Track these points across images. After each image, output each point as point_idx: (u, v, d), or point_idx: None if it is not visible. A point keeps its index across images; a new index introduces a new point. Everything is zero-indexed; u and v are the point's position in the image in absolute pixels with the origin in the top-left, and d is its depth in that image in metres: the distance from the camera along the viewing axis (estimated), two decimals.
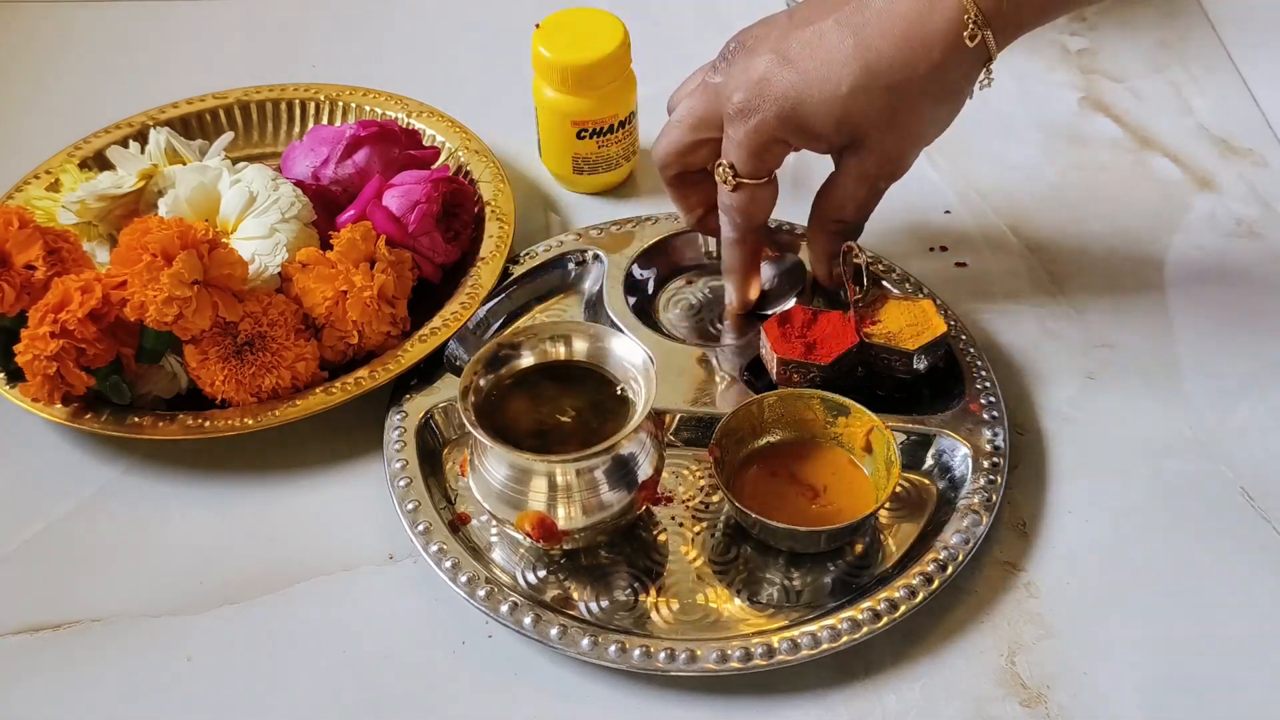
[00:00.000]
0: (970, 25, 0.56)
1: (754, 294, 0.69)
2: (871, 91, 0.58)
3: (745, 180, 0.62)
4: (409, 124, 0.82)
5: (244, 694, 0.57)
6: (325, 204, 0.74)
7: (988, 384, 0.67)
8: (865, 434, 0.62)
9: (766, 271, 0.72)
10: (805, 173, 0.79)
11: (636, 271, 0.74)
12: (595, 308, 0.73)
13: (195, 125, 0.84)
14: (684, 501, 0.64)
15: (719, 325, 0.73)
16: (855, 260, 0.69)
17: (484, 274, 0.73)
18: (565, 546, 0.60)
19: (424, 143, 0.80)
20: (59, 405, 0.65)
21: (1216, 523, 0.63)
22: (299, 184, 0.73)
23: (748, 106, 0.59)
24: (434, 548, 0.61)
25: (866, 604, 0.58)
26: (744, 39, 0.62)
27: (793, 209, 0.79)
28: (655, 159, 0.67)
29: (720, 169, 0.62)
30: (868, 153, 0.61)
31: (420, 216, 0.71)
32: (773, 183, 0.63)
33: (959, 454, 0.64)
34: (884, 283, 0.72)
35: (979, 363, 0.68)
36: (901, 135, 0.61)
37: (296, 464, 0.67)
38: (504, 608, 0.58)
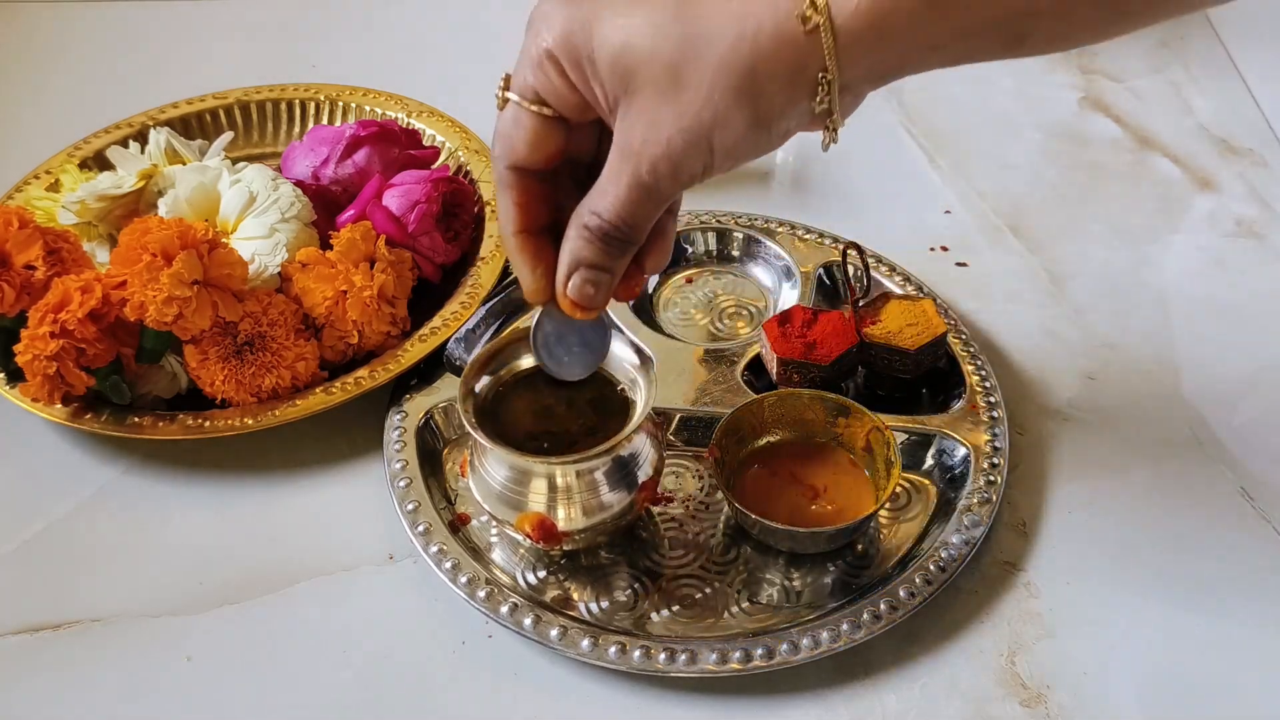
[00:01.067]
0: (820, 91, 0.46)
1: (538, 285, 0.53)
2: (664, 34, 0.47)
3: (512, 95, 0.50)
4: (409, 124, 0.83)
5: (244, 694, 0.57)
6: (325, 204, 0.74)
7: (988, 384, 0.67)
8: (865, 434, 0.62)
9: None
10: (805, 174, 0.79)
11: None
12: None
13: (195, 125, 0.84)
14: (684, 502, 0.64)
15: (719, 325, 0.73)
16: (855, 260, 0.69)
17: (484, 274, 0.73)
18: (565, 547, 0.60)
19: (424, 143, 0.80)
20: (59, 405, 0.65)
21: (1216, 523, 0.63)
22: (299, 184, 0.73)
23: (537, 16, 0.49)
24: (434, 548, 0.61)
25: (867, 604, 0.58)
26: None
27: (793, 208, 0.79)
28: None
29: (498, 85, 0.51)
30: (636, 116, 0.47)
31: (420, 216, 0.71)
32: (544, 119, 0.50)
33: (959, 454, 0.64)
34: (884, 283, 0.72)
35: (979, 363, 0.68)
36: (680, 113, 0.47)
37: (296, 464, 0.67)
38: (504, 608, 0.58)
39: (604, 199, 0.49)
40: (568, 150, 0.51)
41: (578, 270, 0.51)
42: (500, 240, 0.74)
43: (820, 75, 0.45)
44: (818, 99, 0.46)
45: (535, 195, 0.52)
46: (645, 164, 0.48)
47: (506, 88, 0.50)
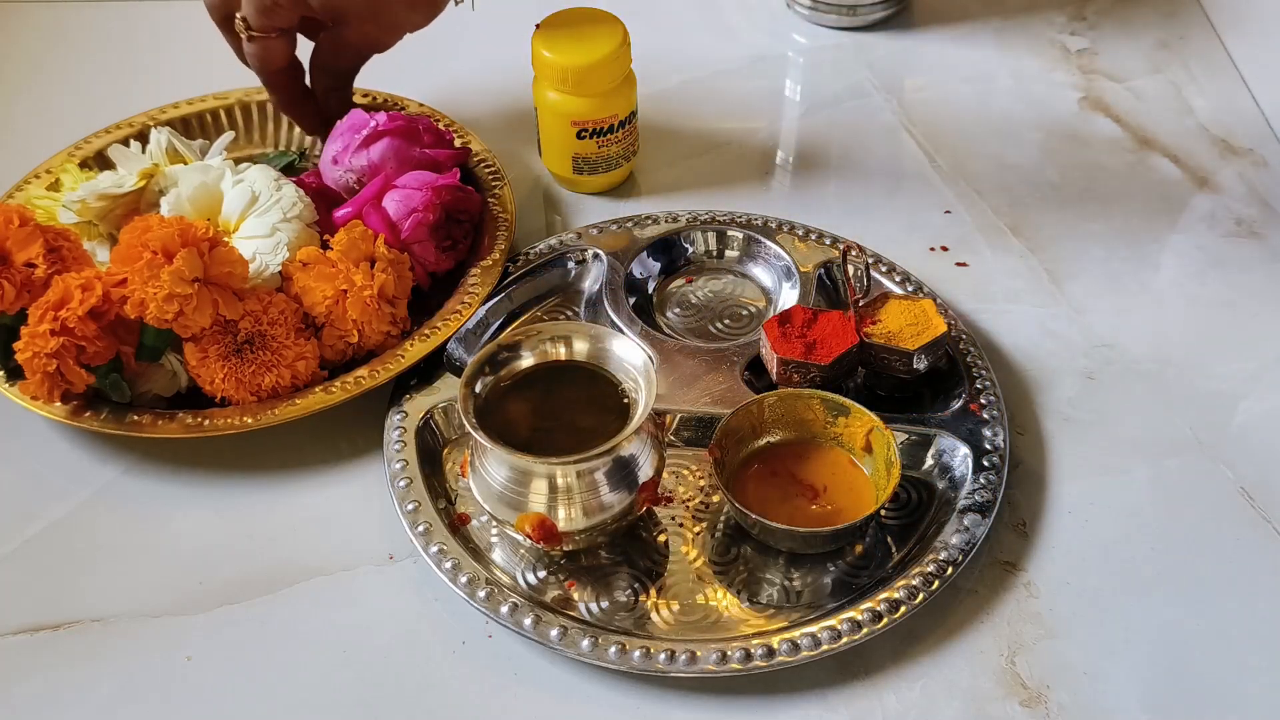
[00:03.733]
0: None
1: (310, 118, 0.79)
2: None
3: (256, 33, 0.71)
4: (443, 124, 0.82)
5: (244, 694, 0.57)
6: (328, 204, 0.74)
7: (988, 384, 0.67)
8: (865, 434, 0.62)
9: None
10: (805, 174, 0.79)
11: (636, 271, 0.74)
12: (595, 307, 0.73)
13: (196, 125, 0.83)
14: (684, 502, 0.64)
15: (719, 325, 0.73)
16: (855, 260, 0.69)
17: (484, 274, 0.73)
18: (565, 548, 0.60)
19: (454, 143, 0.79)
20: (58, 403, 0.65)
21: (1216, 523, 0.63)
22: (299, 183, 0.73)
23: None
24: (434, 548, 0.61)
25: (866, 604, 0.58)
26: None
27: (793, 208, 0.79)
28: (211, 13, 0.74)
29: (237, 22, 0.71)
30: (351, 31, 0.73)
31: (415, 225, 0.70)
32: (284, 37, 0.72)
33: (959, 454, 0.64)
34: (884, 283, 0.72)
35: (979, 363, 0.68)
36: (380, 26, 0.73)
37: (296, 464, 0.67)
38: (504, 608, 0.58)
39: (338, 62, 0.77)
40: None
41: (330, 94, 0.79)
42: (500, 240, 0.74)
43: None
44: None
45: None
46: (365, 54, 0.76)
47: (247, 27, 0.71)
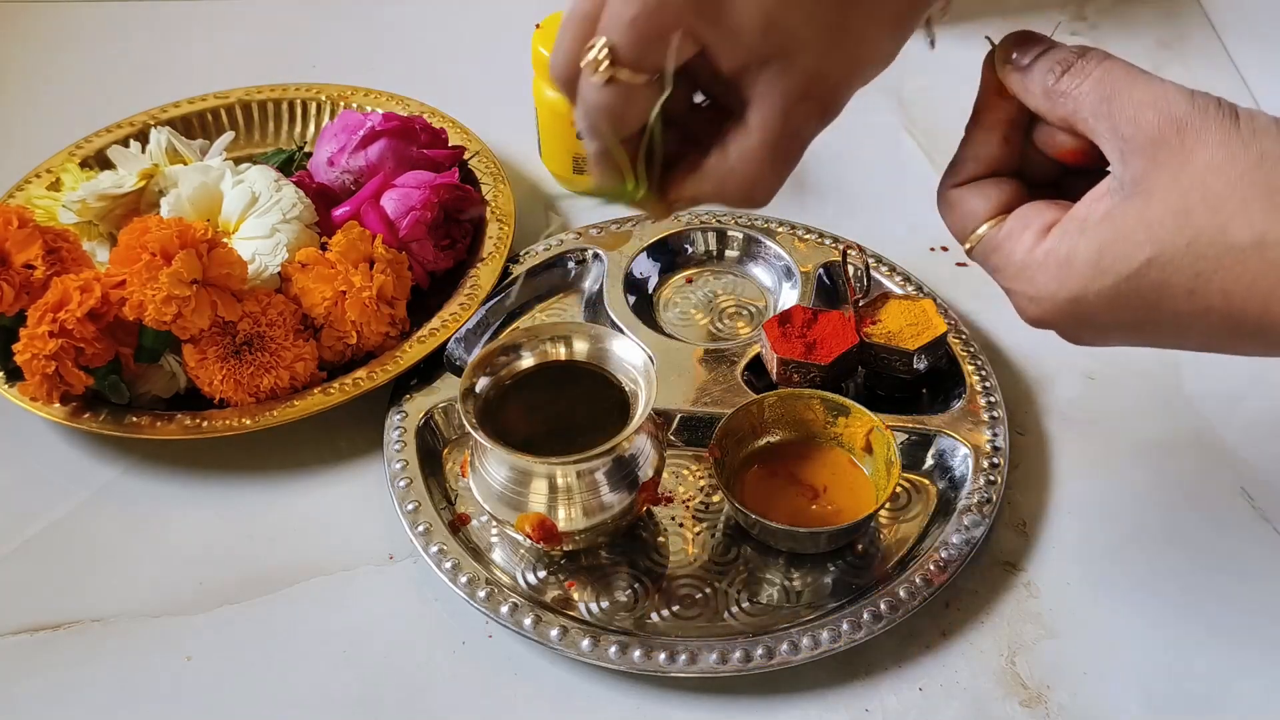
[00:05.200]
0: None
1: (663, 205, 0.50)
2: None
3: (623, 72, 0.44)
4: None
5: (244, 694, 0.57)
6: (328, 204, 0.74)
7: (988, 384, 0.67)
8: (865, 434, 0.62)
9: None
10: (805, 174, 0.79)
11: (636, 271, 0.74)
12: (595, 307, 0.73)
13: (196, 125, 0.84)
14: (684, 502, 0.64)
15: (719, 325, 0.73)
16: (855, 260, 0.69)
17: (484, 274, 0.73)
18: (566, 548, 0.60)
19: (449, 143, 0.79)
20: (58, 404, 0.65)
21: (1216, 523, 0.63)
22: (299, 183, 0.73)
23: None
24: (434, 548, 0.61)
25: (866, 604, 0.58)
26: None
27: (793, 208, 0.79)
28: (554, 75, 0.47)
29: (593, 51, 0.44)
30: (795, 74, 0.44)
31: (413, 223, 0.70)
32: (657, 84, 0.45)
33: (959, 454, 0.64)
34: (884, 283, 0.72)
35: (979, 362, 0.68)
36: (846, 60, 0.45)
37: (296, 464, 0.67)
38: (504, 608, 0.58)
39: (751, 164, 0.46)
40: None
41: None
42: (500, 240, 0.74)
43: None
44: (941, 11, 0.46)
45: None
46: (810, 121, 0.46)
47: (613, 61, 0.43)
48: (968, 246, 0.49)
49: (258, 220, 0.69)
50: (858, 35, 0.45)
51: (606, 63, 0.43)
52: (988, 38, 0.47)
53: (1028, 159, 0.49)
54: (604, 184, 0.48)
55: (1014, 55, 0.47)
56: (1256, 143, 0.41)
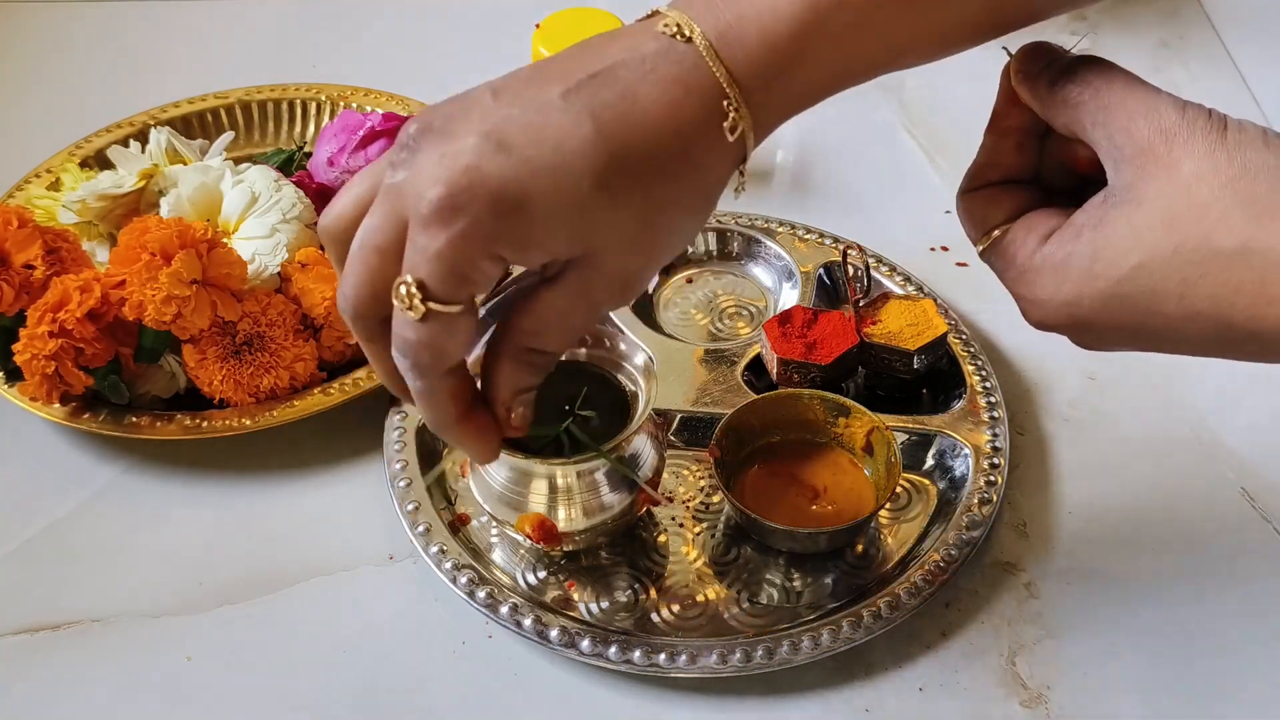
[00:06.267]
0: (731, 114, 0.44)
1: (493, 445, 0.49)
2: (620, 195, 0.43)
3: (438, 305, 0.43)
4: None
5: (244, 694, 0.57)
6: (327, 204, 0.74)
7: (988, 384, 0.67)
8: (865, 434, 0.62)
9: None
10: (805, 174, 0.79)
11: None
12: None
13: (196, 125, 0.84)
14: (684, 502, 0.64)
15: (719, 325, 0.73)
16: (855, 260, 0.69)
17: None
18: (566, 548, 0.60)
19: None
20: (57, 404, 0.65)
21: (1216, 523, 0.63)
22: (299, 182, 0.73)
23: (452, 204, 0.42)
24: (434, 548, 0.61)
25: (866, 604, 0.58)
26: (430, 120, 0.44)
27: (793, 208, 0.79)
28: (344, 309, 0.46)
29: (402, 290, 0.43)
30: (597, 273, 0.45)
31: None
32: (473, 311, 0.45)
33: (959, 454, 0.64)
34: (884, 283, 0.72)
35: (979, 363, 0.68)
36: (647, 252, 0.46)
37: (296, 464, 0.67)
38: (504, 609, 0.58)
39: (551, 333, 0.48)
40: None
41: (519, 397, 0.49)
42: None
43: (741, 164, 0.46)
44: (738, 182, 0.47)
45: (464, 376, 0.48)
46: (609, 305, 0.48)
47: (425, 297, 0.43)
48: (979, 249, 0.50)
49: (257, 220, 0.69)
50: (658, 234, 0.46)
51: (418, 298, 0.43)
52: (1004, 48, 0.48)
53: (1046, 167, 0.50)
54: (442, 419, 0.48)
55: (1025, 65, 0.48)
56: (1241, 153, 0.42)
